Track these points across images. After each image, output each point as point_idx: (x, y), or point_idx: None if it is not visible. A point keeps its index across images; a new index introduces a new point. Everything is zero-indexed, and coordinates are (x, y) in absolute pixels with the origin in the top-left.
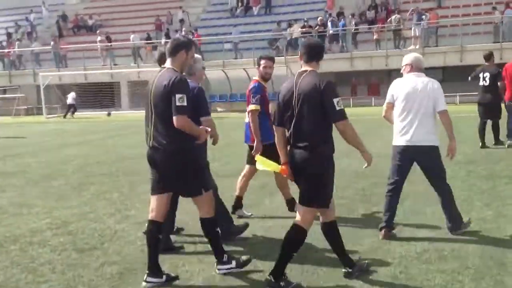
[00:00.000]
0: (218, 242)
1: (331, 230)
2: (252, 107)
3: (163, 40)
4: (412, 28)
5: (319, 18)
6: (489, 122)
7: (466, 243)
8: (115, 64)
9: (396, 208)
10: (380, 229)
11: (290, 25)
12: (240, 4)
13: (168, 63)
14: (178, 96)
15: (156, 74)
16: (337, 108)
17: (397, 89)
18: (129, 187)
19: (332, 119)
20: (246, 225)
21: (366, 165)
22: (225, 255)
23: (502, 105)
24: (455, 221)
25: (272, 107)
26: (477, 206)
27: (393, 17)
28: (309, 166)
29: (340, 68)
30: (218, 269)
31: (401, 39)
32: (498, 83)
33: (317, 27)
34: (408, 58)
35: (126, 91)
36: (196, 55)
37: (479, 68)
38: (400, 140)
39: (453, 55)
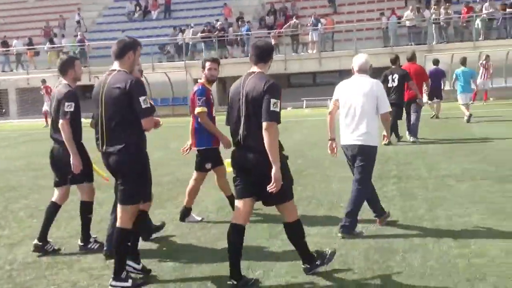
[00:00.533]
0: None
1: (295, 229)
2: (199, 109)
3: (46, 46)
4: (310, 33)
5: (218, 23)
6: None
7: (352, 247)
8: (3, 71)
9: (376, 196)
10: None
11: (181, 31)
12: (138, 8)
13: (116, 66)
14: (141, 98)
15: (104, 77)
16: (272, 108)
17: (342, 90)
18: (4, 204)
19: (263, 117)
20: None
21: (273, 185)
22: (124, 272)
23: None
24: (351, 223)
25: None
26: (365, 207)
27: (291, 22)
28: (264, 167)
29: (241, 72)
30: (112, 285)
31: (299, 44)
32: (409, 83)
33: (217, 31)
34: (354, 61)
35: (14, 98)
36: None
37: (387, 71)
38: (345, 139)
39: (348, 59)
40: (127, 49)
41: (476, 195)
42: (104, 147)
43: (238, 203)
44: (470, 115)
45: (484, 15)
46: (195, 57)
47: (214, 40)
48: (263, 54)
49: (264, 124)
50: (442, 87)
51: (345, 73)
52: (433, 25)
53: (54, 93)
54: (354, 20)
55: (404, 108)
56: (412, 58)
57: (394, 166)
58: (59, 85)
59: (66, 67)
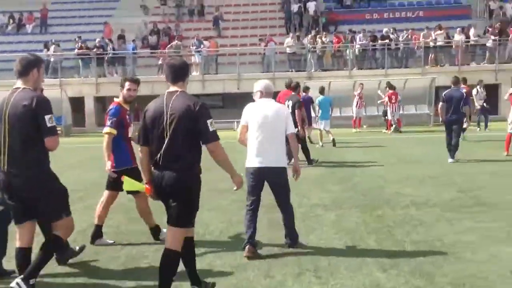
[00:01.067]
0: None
1: (189, 247)
2: (107, 129)
3: None
4: (194, 55)
5: (97, 40)
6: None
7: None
8: None
9: (256, 225)
10: (244, 247)
11: (46, 47)
12: (11, 21)
13: (19, 84)
14: (47, 117)
15: (7, 95)
16: (211, 129)
17: (250, 114)
18: None
19: (204, 139)
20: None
21: (235, 187)
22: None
23: None
24: (293, 238)
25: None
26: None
27: (173, 43)
28: (183, 188)
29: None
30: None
31: None
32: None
33: (95, 49)
34: (259, 85)
35: None
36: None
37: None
38: (254, 162)
39: (232, 83)
40: (31, 66)
41: (341, 224)
42: (5, 167)
43: (168, 230)
44: (333, 139)
45: (358, 46)
46: (72, 74)
47: (93, 58)
48: (180, 73)
49: (210, 146)
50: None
51: (228, 97)
52: (311, 53)
53: None
54: (237, 44)
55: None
56: (289, 86)
57: (267, 194)
58: None
59: None
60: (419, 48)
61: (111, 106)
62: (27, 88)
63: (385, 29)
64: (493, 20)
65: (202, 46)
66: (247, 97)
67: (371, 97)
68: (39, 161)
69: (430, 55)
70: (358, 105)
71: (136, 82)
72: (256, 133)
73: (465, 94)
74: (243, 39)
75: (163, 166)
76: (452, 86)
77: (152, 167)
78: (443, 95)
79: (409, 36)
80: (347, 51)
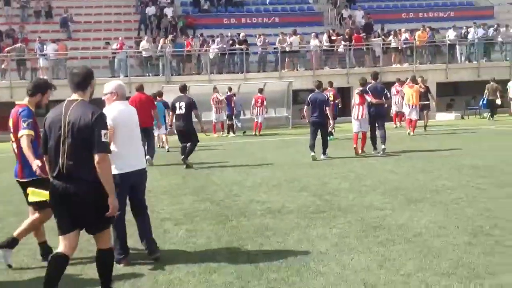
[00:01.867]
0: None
1: (108, 257)
2: (25, 131)
3: None
4: (39, 59)
5: None
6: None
7: None
8: None
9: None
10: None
11: None
12: None
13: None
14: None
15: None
16: (103, 139)
17: (117, 117)
18: None
19: (95, 149)
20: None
21: (110, 211)
22: None
23: None
24: (151, 245)
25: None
26: None
27: (16, 46)
28: (88, 197)
29: None
30: None
31: (27, 70)
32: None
33: None
34: (111, 86)
35: None
36: None
37: (175, 98)
38: (123, 167)
39: None
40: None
41: (190, 240)
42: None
43: (63, 238)
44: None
45: (217, 50)
46: None
47: None
48: (81, 82)
49: (97, 156)
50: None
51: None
52: (167, 57)
53: None
54: (90, 47)
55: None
56: (140, 89)
57: None
58: None
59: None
60: (275, 53)
61: (20, 109)
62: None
63: (242, 34)
64: (343, 27)
65: (45, 48)
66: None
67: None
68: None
69: (286, 59)
70: (217, 110)
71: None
72: (120, 137)
73: (327, 97)
74: (96, 42)
75: (65, 176)
76: (316, 89)
77: (53, 177)
78: (308, 98)
79: (266, 41)
80: (201, 56)
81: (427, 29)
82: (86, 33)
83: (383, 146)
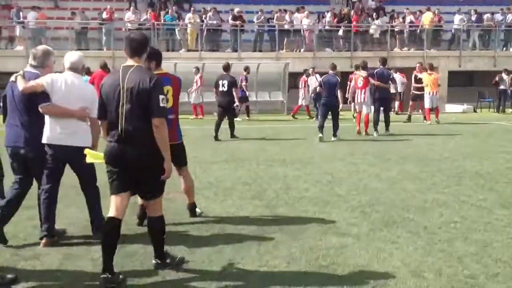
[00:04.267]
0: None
1: (158, 224)
2: None
3: None
4: (16, 27)
5: None
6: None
7: None
8: None
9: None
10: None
11: None
12: None
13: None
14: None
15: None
16: (161, 104)
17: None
18: None
19: (153, 113)
20: None
21: (165, 175)
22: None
23: None
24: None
25: None
26: None
27: None
28: (146, 161)
29: None
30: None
31: (2, 39)
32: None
33: None
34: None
35: None
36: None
37: (218, 76)
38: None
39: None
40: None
41: None
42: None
43: (115, 197)
44: None
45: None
46: None
47: None
48: (138, 47)
49: (155, 120)
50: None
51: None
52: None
53: None
54: (78, 18)
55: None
56: (103, 67)
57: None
58: None
59: None
60: (274, 31)
61: None
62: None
63: (236, 9)
64: (350, 6)
65: (21, 16)
66: None
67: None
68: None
69: (285, 39)
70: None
71: None
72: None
73: (339, 80)
74: (87, 12)
75: (125, 141)
76: (330, 71)
77: (112, 141)
78: (320, 80)
79: (262, 18)
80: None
81: (435, 11)
82: (74, 3)
83: (389, 131)
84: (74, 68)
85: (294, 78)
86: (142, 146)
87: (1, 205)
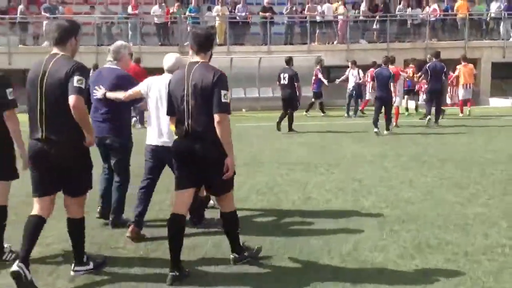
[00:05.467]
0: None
1: (232, 219)
2: None
3: None
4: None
5: None
6: None
7: None
8: None
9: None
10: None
11: None
12: None
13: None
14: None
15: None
16: (223, 100)
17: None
18: None
19: (215, 108)
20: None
21: (228, 172)
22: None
23: None
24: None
25: None
26: None
27: (20, 6)
28: (214, 156)
29: None
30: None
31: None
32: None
33: None
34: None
35: None
36: (124, 42)
37: (280, 69)
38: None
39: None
40: (70, 35)
41: None
42: (44, 134)
43: (180, 193)
44: None
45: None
46: None
47: None
48: (204, 43)
49: (217, 116)
50: None
51: None
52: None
53: None
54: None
55: None
56: (137, 61)
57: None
58: None
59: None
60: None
61: None
62: (66, 54)
63: (266, 0)
64: None
65: (57, 12)
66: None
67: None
68: (76, 130)
69: (317, 31)
70: None
71: None
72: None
73: (392, 73)
74: (114, 6)
75: (191, 136)
76: (383, 65)
77: (179, 137)
78: (374, 73)
79: (294, 9)
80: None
81: None
82: None
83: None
84: (171, 71)
85: (328, 72)
86: (207, 141)
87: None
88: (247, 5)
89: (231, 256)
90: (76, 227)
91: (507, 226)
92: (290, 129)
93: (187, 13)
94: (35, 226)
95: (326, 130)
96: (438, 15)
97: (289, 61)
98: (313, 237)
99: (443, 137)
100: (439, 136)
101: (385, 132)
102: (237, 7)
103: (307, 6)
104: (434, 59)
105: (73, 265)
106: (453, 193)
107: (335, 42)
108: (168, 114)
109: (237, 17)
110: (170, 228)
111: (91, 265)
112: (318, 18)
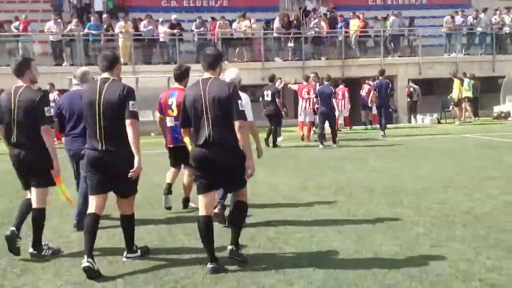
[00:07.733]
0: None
1: (243, 207)
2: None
3: None
4: None
5: None
6: None
7: None
8: None
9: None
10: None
11: None
12: None
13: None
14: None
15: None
16: (241, 108)
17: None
18: None
19: (234, 117)
20: None
21: (250, 173)
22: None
23: None
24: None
25: None
26: None
27: None
28: (234, 161)
29: None
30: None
31: None
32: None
33: None
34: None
35: None
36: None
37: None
38: None
39: None
40: (116, 61)
41: None
42: (104, 146)
43: (204, 196)
44: None
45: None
46: None
47: None
48: (213, 62)
49: (237, 122)
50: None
51: None
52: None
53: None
54: None
55: None
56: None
57: None
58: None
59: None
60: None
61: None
62: (115, 79)
63: (173, 17)
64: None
65: None
66: None
67: None
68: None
69: (229, 49)
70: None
71: None
72: None
73: (333, 90)
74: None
75: (213, 144)
76: (325, 82)
77: (199, 145)
78: (316, 91)
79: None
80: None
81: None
82: None
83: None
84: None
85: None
86: (227, 148)
87: None
88: (154, 21)
89: (229, 247)
90: (127, 222)
91: None
92: (274, 145)
93: (86, 30)
94: (95, 222)
95: None
96: (352, 33)
97: (272, 78)
98: None
99: (366, 161)
100: (361, 160)
101: (333, 145)
102: (143, 23)
103: (218, 23)
104: (380, 77)
105: (125, 252)
106: (390, 238)
107: (247, 61)
108: (182, 126)
109: (143, 34)
110: (201, 229)
111: (139, 253)
112: (230, 36)
